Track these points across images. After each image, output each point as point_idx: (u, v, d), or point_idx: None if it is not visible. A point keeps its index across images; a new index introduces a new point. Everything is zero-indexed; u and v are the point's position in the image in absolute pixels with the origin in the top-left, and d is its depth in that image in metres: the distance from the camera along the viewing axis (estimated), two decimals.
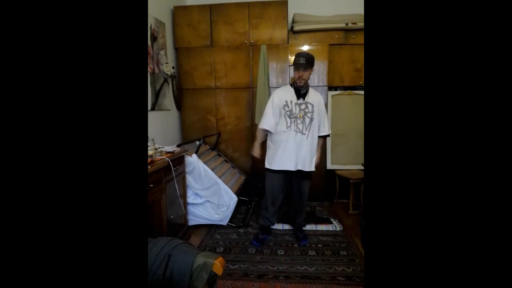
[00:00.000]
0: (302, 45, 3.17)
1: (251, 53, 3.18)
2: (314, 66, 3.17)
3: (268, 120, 2.21)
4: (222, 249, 2.31)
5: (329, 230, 2.59)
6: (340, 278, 1.89)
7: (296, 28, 3.22)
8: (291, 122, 2.17)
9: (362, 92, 3.28)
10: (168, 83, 3.03)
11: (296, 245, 2.34)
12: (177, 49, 3.29)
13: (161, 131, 2.92)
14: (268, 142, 2.32)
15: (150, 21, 2.68)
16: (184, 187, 2.43)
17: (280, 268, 2.02)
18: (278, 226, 2.67)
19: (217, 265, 1.12)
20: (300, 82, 2.13)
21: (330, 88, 3.29)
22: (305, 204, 2.46)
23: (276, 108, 2.19)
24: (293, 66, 2.16)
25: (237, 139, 3.36)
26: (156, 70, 2.78)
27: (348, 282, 1.85)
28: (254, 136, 3.22)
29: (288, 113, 2.17)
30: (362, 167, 2.83)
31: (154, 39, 2.74)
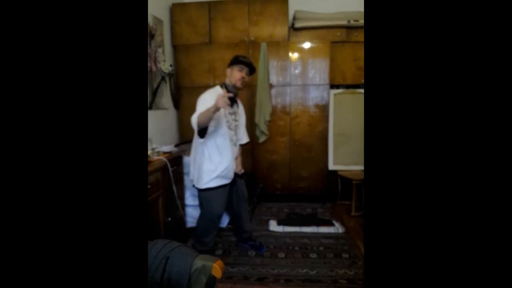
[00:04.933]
0: (303, 42, 3.12)
1: (251, 50, 3.12)
2: (316, 64, 3.22)
3: None
4: (221, 251, 2.26)
5: (331, 232, 2.54)
6: (342, 281, 1.84)
7: (297, 25, 3.17)
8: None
9: None
10: (165, 82, 2.97)
11: (297, 248, 2.28)
12: (175, 47, 3.24)
13: (158, 130, 2.85)
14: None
15: (148, 19, 2.63)
16: (182, 188, 2.38)
17: (281, 271, 1.97)
18: (278, 229, 2.61)
19: (216, 268, 1.09)
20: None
21: (332, 86, 3.23)
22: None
23: None
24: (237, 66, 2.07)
25: None
26: (154, 68, 2.72)
27: (351, 285, 1.80)
28: (253, 135, 3.19)
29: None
30: None
31: (151, 36, 2.70)
